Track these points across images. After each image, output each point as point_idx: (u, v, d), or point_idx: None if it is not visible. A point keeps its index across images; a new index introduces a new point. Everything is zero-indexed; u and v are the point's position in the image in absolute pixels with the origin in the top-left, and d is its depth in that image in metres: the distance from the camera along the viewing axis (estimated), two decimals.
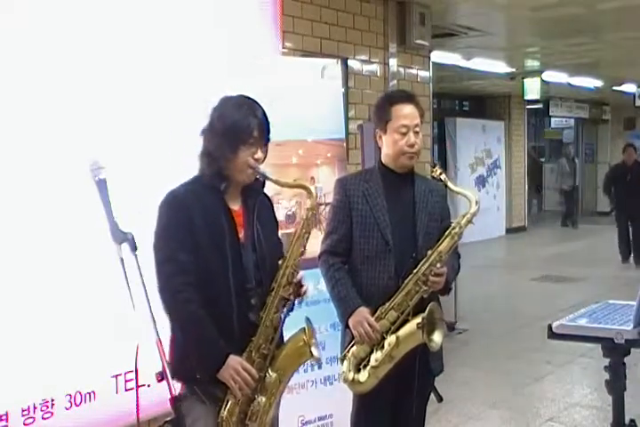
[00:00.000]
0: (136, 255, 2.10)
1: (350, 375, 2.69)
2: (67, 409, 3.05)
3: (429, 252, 2.67)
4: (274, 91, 3.60)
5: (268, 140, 2.39)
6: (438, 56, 8.34)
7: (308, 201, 2.43)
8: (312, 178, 3.77)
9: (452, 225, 2.71)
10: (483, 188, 13.52)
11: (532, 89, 11.82)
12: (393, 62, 6.11)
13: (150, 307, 2.15)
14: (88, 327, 3.07)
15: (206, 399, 2.28)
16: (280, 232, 2.63)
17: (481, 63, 10.21)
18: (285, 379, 2.39)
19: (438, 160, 12.34)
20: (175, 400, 2.07)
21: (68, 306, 3.01)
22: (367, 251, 2.76)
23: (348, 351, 2.72)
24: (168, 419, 2.10)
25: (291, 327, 2.46)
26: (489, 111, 14.79)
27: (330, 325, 3.63)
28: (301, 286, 2.42)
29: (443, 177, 2.77)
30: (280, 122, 3.57)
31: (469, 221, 2.71)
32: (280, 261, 2.38)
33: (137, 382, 2.32)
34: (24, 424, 2.92)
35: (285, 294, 2.35)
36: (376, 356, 2.65)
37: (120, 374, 3.21)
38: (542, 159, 19.28)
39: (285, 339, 2.45)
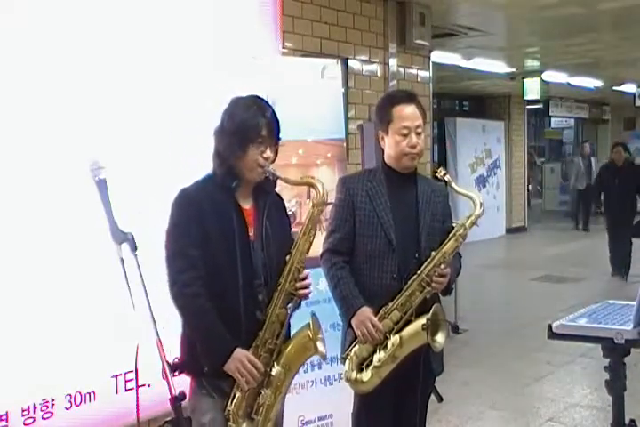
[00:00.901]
0: (136, 255, 2.10)
1: (353, 375, 2.69)
2: (67, 409, 3.05)
3: (433, 253, 2.67)
4: (274, 91, 3.60)
5: (279, 139, 2.43)
6: (438, 56, 8.34)
7: (315, 197, 2.46)
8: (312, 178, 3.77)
9: (457, 226, 2.70)
10: (483, 188, 13.51)
11: (532, 89, 11.82)
12: (393, 62, 6.11)
13: (150, 307, 2.16)
14: (88, 327, 3.07)
15: (214, 393, 2.31)
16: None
17: (481, 63, 10.21)
18: (291, 374, 2.42)
19: (438, 160, 12.35)
20: (175, 400, 2.08)
21: (68, 306, 3.01)
22: (370, 250, 2.76)
23: (351, 351, 2.72)
24: (168, 419, 2.11)
25: (299, 325, 2.47)
26: (489, 111, 14.79)
27: (330, 325, 3.62)
28: (307, 284, 2.44)
29: (447, 178, 2.77)
30: (280, 122, 3.61)
31: (474, 223, 2.72)
32: (287, 257, 2.40)
33: (137, 382, 2.33)
34: (24, 424, 2.92)
35: (291, 289, 2.38)
36: (379, 356, 2.65)
37: (120, 374, 3.21)
38: (542, 159, 19.28)
39: (292, 334, 2.47)
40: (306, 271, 2.43)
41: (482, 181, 13.59)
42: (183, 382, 2.34)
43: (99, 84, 3.14)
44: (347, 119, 5.13)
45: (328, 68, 3.91)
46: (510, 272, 10.40)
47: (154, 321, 2.13)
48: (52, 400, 3.00)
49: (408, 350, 2.65)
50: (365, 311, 2.67)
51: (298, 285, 2.40)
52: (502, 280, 10.03)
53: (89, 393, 3.12)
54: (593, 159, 15.61)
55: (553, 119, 18.36)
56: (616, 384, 3.03)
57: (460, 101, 14.94)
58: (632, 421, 3.13)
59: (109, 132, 3.16)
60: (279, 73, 3.70)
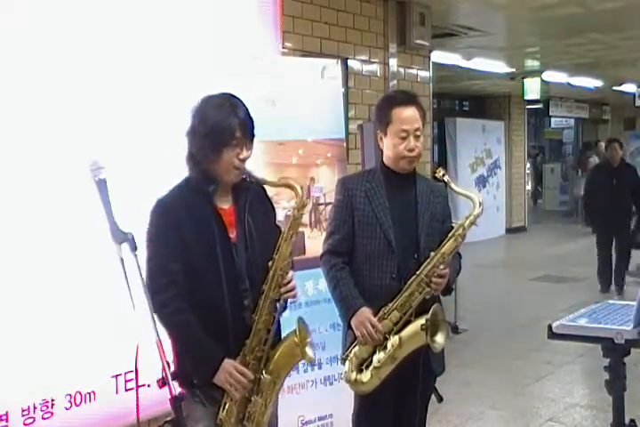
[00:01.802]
0: (136, 255, 2.09)
1: (353, 376, 2.69)
2: (67, 409, 3.05)
3: (432, 253, 2.67)
4: (274, 91, 3.61)
5: (253, 136, 2.35)
6: (438, 56, 8.34)
7: (294, 200, 2.40)
8: (312, 178, 3.78)
9: (456, 226, 2.70)
10: (483, 188, 13.51)
11: (532, 89, 11.82)
12: (393, 62, 6.11)
13: (150, 307, 2.15)
14: (88, 327, 3.07)
15: (207, 402, 2.30)
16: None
17: (481, 63, 10.21)
18: (280, 380, 2.40)
19: (438, 160, 12.34)
20: (175, 400, 2.07)
21: (68, 306, 3.01)
22: (369, 251, 2.76)
23: (350, 352, 2.72)
24: (168, 419, 2.10)
25: (291, 327, 2.46)
26: (489, 111, 14.79)
27: (330, 325, 3.63)
28: (291, 287, 2.39)
29: (446, 178, 2.77)
30: (280, 122, 3.61)
31: (473, 223, 2.72)
32: (270, 263, 2.36)
33: (137, 382, 2.32)
34: (24, 424, 2.92)
35: (275, 296, 2.34)
36: (379, 356, 2.65)
37: (120, 374, 3.21)
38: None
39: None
40: (290, 274, 2.39)
41: (482, 181, 13.59)
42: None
43: (99, 84, 3.14)
44: (347, 119, 5.12)
45: (328, 68, 3.91)
46: (510, 272, 10.40)
47: (154, 321, 2.12)
48: (52, 400, 3.00)
49: (407, 351, 2.65)
50: (365, 312, 2.67)
51: (282, 290, 2.35)
52: (502, 280, 10.02)
53: (89, 393, 3.12)
54: None
55: (553, 119, 18.36)
56: (616, 384, 3.03)
57: (460, 101, 14.94)
58: (632, 421, 3.13)
59: (109, 132, 3.16)
60: (279, 73, 3.70)
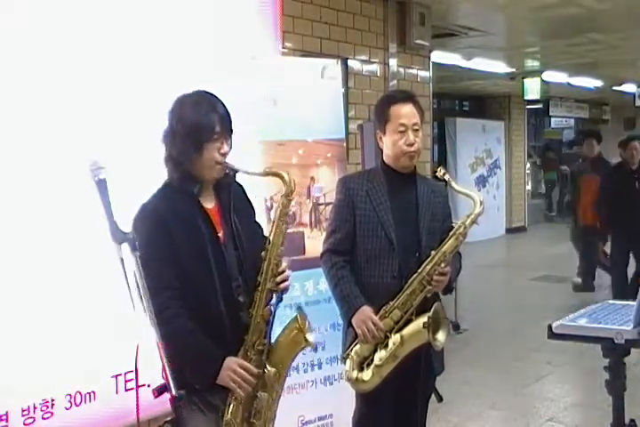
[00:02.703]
0: (136, 255, 2.09)
1: (354, 374, 2.70)
2: (67, 409, 3.05)
3: (433, 252, 2.67)
4: (274, 91, 3.61)
5: (232, 131, 2.34)
6: (438, 56, 8.33)
7: (282, 188, 2.37)
8: (312, 178, 3.78)
9: (457, 225, 2.71)
10: (483, 188, 13.51)
11: (532, 89, 11.82)
12: (393, 62, 6.11)
13: (150, 307, 2.15)
14: (88, 327, 3.07)
15: (205, 409, 2.27)
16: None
17: (481, 63, 10.21)
18: (284, 370, 2.39)
19: (438, 160, 12.34)
20: (175, 400, 2.07)
21: (68, 306, 3.01)
22: (371, 250, 2.77)
23: (351, 350, 2.72)
24: (168, 419, 2.10)
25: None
26: (489, 111, 14.79)
27: (330, 325, 3.63)
28: (286, 276, 2.38)
29: (446, 177, 2.78)
30: (280, 122, 3.61)
31: (474, 222, 2.73)
32: (263, 253, 2.34)
33: (137, 382, 2.32)
34: (24, 424, 2.92)
35: (273, 286, 2.33)
36: (380, 355, 2.66)
37: (120, 374, 3.21)
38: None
39: (278, 332, 2.43)
40: (284, 264, 2.38)
41: (482, 181, 13.59)
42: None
43: (99, 84, 3.14)
44: (347, 119, 5.12)
45: (328, 68, 3.91)
46: (510, 272, 10.40)
47: (153, 322, 2.11)
48: (52, 400, 3.00)
49: (409, 349, 2.65)
50: (366, 310, 2.68)
51: (278, 279, 2.34)
52: (502, 280, 10.03)
53: (89, 393, 3.12)
54: None
55: (553, 119, 18.32)
56: (616, 384, 3.03)
57: (460, 101, 14.94)
58: (632, 421, 3.13)
59: (109, 132, 3.16)
60: (279, 73, 3.70)
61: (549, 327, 3.09)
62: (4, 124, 2.87)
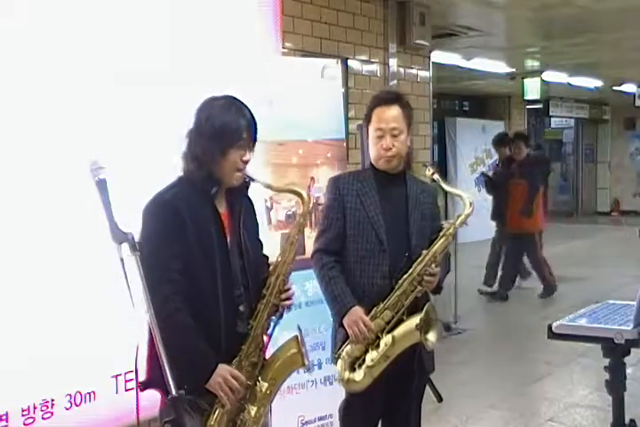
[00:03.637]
0: (136, 255, 2.09)
1: (345, 375, 2.70)
2: (67, 409, 3.05)
3: (424, 252, 2.69)
4: (274, 91, 3.61)
5: (256, 139, 2.35)
6: (438, 56, 8.33)
7: (302, 207, 2.40)
8: (312, 178, 3.78)
9: (447, 226, 2.74)
10: (483, 188, 13.50)
11: (532, 89, 11.81)
12: (393, 62, 6.11)
13: (150, 307, 2.15)
14: (88, 327, 3.07)
15: (192, 411, 2.23)
16: (280, 232, 2.64)
17: (481, 63, 10.21)
18: (275, 388, 2.37)
19: (438, 160, 12.34)
20: (176, 400, 2.07)
21: (68, 306, 3.01)
22: (361, 250, 2.78)
23: (342, 351, 2.73)
24: (168, 419, 2.10)
25: (285, 328, 2.47)
26: (489, 111, 14.79)
27: (330, 325, 3.62)
28: (291, 294, 2.40)
29: (435, 177, 2.80)
30: (280, 122, 3.61)
31: (463, 222, 2.75)
32: (271, 268, 2.35)
33: (137, 382, 2.32)
34: (24, 424, 2.92)
35: (277, 301, 2.33)
36: (372, 355, 2.67)
37: (120, 374, 3.21)
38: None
39: (275, 347, 2.43)
40: (290, 281, 2.39)
41: (482, 181, 13.57)
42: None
43: (99, 84, 3.14)
44: (347, 119, 5.12)
45: (328, 68, 3.91)
46: None
47: (153, 322, 2.11)
48: (52, 400, 3.00)
49: (400, 350, 2.67)
50: (357, 311, 2.69)
51: (283, 296, 2.35)
52: None
53: (89, 393, 3.12)
54: None
55: (553, 119, 18.32)
56: (616, 384, 3.03)
57: (460, 101, 14.93)
58: (632, 421, 3.13)
59: (109, 132, 3.16)
60: (279, 73, 3.70)
61: (549, 327, 3.09)
62: (4, 124, 2.86)
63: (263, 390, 2.31)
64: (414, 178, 2.94)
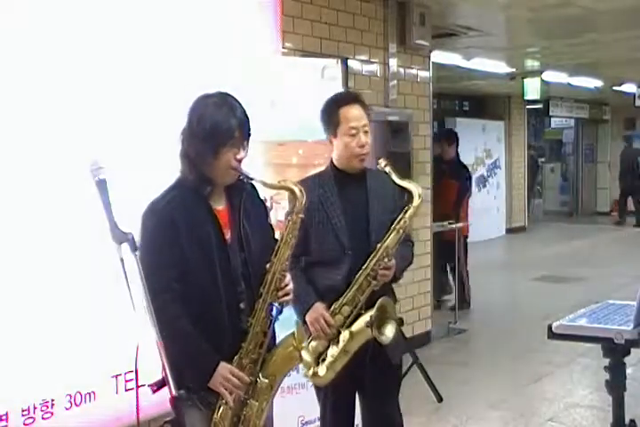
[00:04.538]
0: (136, 255, 2.09)
1: (311, 370, 2.77)
2: (67, 409, 3.05)
3: (377, 246, 2.75)
4: (274, 91, 3.61)
5: (249, 135, 2.34)
6: (438, 56, 8.33)
7: (295, 204, 2.39)
8: None
9: (397, 219, 2.79)
10: (483, 188, 13.52)
11: (532, 89, 11.81)
12: (393, 62, 6.11)
13: (150, 307, 2.15)
14: (88, 327, 3.07)
15: (202, 405, 2.29)
16: (279, 233, 2.63)
17: (481, 63, 10.20)
18: (276, 384, 2.40)
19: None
20: (175, 400, 2.07)
21: (68, 306, 3.01)
22: (323, 253, 2.84)
23: (308, 346, 2.77)
24: (168, 419, 2.10)
25: (285, 325, 2.48)
26: (489, 111, 14.78)
27: None
28: (288, 291, 2.40)
29: (387, 169, 2.87)
30: (280, 122, 3.61)
31: (413, 215, 2.81)
32: (267, 266, 2.35)
33: (137, 382, 2.32)
34: (24, 424, 2.92)
35: (274, 298, 2.34)
36: (332, 351, 2.75)
37: (120, 374, 3.21)
38: (542, 159, 19.23)
39: (277, 342, 2.45)
40: (287, 278, 2.39)
41: (482, 181, 13.58)
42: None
43: (99, 84, 3.14)
44: None
45: (328, 68, 3.91)
46: (510, 272, 10.39)
47: (153, 321, 2.11)
48: (52, 400, 3.01)
49: (358, 344, 2.74)
50: (318, 308, 2.76)
51: (280, 293, 2.36)
52: (502, 280, 10.02)
53: (89, 393, 3.12)
54: None
55: (553, 119, 18.32)
56: (616, 384, 3.03)
57: (460, 101, 14.92)
58: (632, 421, 3.13)
59: (110, 132, 3.16)
60: (279, 73, 3.70)
61: (549, 327, 3.09)
62: (4, 124, 2.87)
63: (264, 386, 2.35)
64: (374, 172, 2.96)
